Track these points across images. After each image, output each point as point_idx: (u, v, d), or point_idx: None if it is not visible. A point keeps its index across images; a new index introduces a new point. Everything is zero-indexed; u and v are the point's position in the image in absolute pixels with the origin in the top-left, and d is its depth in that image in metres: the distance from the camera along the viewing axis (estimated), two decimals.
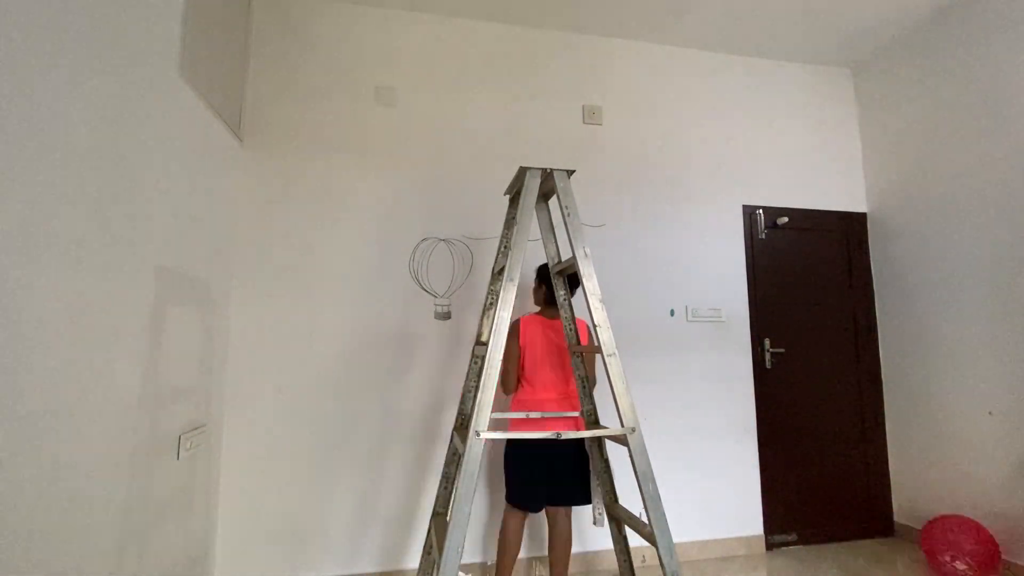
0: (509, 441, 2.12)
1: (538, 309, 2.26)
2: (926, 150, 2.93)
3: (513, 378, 2.15)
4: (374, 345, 2.54)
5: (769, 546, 2.84)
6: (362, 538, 2.43)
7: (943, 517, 2.59)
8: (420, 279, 2.63)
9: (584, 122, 2.94)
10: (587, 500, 2.01)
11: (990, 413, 2.55)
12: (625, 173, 2.95)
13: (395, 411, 2.53)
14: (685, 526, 2.71)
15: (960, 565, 2.37)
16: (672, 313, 2.89)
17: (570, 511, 2.16)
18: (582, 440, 2.03)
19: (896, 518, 3.03)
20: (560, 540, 2.13)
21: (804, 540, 2.91)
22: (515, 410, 2.08)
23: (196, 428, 2.05)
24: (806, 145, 3.26)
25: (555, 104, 2.92)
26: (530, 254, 1.82)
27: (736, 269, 3.03)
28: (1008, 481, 2.46)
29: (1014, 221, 2.48)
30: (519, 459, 2.10)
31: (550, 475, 2.05)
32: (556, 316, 2.11)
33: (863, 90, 3.35)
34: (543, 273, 2.20)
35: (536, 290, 2.27)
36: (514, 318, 1.90)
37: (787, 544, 2.89)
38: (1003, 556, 2.42)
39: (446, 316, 2.63)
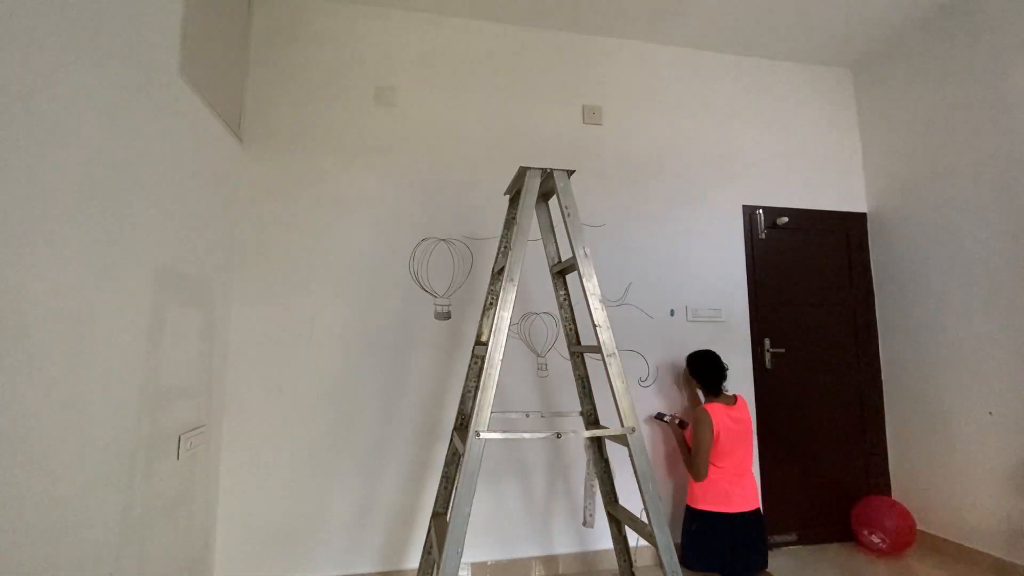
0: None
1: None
2: (926, 150, 2.93)
3: (706, 466, 2.34)
4: (374, 345, 2.54)
5: (769, 546, 2.83)
6: (362, 538, 2.43)
7: (868, 498, 2.92)
8: (420, 279, 2.63)
9: (584, 122, 2.94)
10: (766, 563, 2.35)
11: (990, 413, 2.55)
12: (625, 173, 2.95)
13: (395, 411, 2.53)
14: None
15: (875, 539, 2.72)
16: (672, 313, 2.89)
17: None
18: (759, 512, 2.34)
19: None
20: None
21: (804, 540, 2.91)
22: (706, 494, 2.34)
23: (196, 428, 2.05)
24: (806, 145, 3.26)
25: (555, 104, 2.92)
26: (529, 254, 1.82)
27: (736, 269, 3.03)
28: (1008, 480, 2.46)
29: (1014, 221, 2.48)
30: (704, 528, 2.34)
31: (733, 543, 2.28)
32: (729, 399, 2.45)
33: (863, 90, 3.35)
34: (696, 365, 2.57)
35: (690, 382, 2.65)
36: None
37: (787, 544, 2.89)
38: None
39: (446, 316, 2.63)
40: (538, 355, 2.71)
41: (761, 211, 3.11)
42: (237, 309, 2.42)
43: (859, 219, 3.29)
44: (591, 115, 2.95)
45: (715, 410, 2.35)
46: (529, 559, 2.56)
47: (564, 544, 2.63)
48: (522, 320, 2.70)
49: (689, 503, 2.40)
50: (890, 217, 3.15)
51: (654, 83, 3.08)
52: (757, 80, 3.25)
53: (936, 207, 2.86)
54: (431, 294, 2.63)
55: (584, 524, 1.89)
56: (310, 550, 2.38)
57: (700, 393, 2.59)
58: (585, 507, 1.91)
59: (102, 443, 1.46)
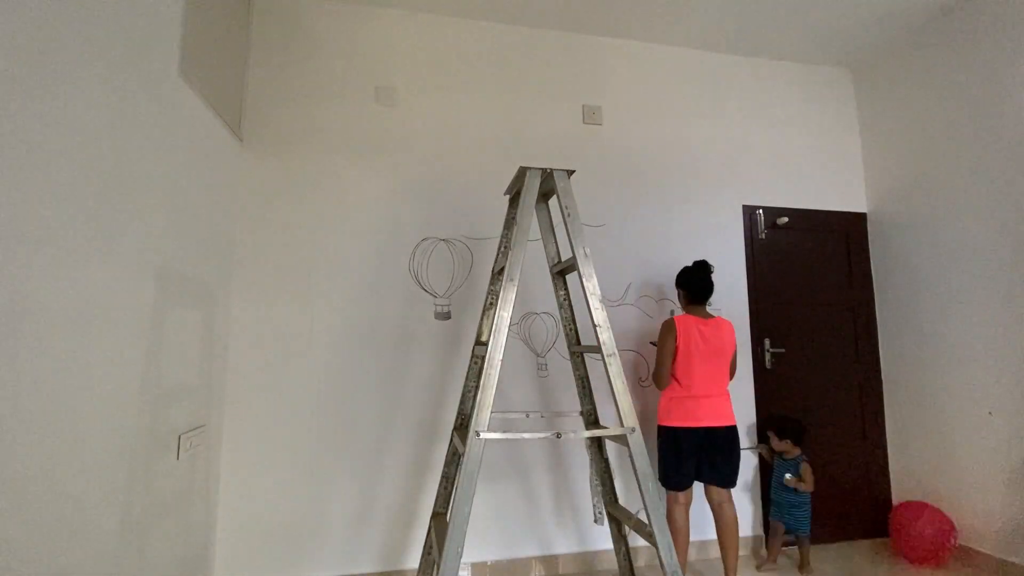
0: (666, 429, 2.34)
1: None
2: (926, 150, 2.93)
3: (667, 374, 2.33)
4: (374, 345, 2.54)
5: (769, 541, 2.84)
6: (362, 538, 2.43)
7: (907, 503, 2.87)
8: (420, 279, 2.63)
9: (584, 122, 2.94)
10: (732, 483, 2.31)
11: (990, 413, 2.55)
12: (625, 173, 2.95)
13: (395, 411, 2.53)
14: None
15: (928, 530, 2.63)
16: (672, 313, 2.89)
17: (729, 497, 2.33)
18: (733, 429, 2.31)
19: None
20: (724, 525, 2.31)
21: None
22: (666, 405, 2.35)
23: (196, 428, 2.05)
24: (806, 145, 3.26)
25: (555, 104, 2.92)
26: (529, 254, 1.82)
27: (736, 269, 3.03)
28: (1008, 481, 2.46)
29: (1013, 221, 2.48)
30: (671, 445, 2.32)
31: (700, 458, 2.28)
32: (709, 316, 2.38)
33: (863, 90, 3.35)
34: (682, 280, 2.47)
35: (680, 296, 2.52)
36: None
37: (787, 544, 2.88)
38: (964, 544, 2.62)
39: (446, 316, 2.63)
40: (538, 355, 2.71)
41: (761, 211, 3.11)
42: (237, 308, 2.42)
43: (859, 219, 3.29)
44: (591, 115, 2.95)
45: (683, 320, 2.32)
46: (529, 559, 2.56)
47: (564, 544, 2.63)
48: (522, 320, 2.71)
49: (659, 421, 2.38)
50: (890, 217, 3.15)
51: (654, 83, 3.08)
52: (757, 80, 3.25)
53: (936, 207, 2.86)
54: (431, 294, 2.63)
55: (595, 522, 1.90)
56: (310, 550, 2.38)
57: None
58: (594, 505, 1.92)
59: (101, 443, 1.46)
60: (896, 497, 3.04)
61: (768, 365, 3.00)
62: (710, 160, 3.09)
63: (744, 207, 3.10)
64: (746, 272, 3.04)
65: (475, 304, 2.64)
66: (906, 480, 3.00)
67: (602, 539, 2.61)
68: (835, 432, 3.06)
